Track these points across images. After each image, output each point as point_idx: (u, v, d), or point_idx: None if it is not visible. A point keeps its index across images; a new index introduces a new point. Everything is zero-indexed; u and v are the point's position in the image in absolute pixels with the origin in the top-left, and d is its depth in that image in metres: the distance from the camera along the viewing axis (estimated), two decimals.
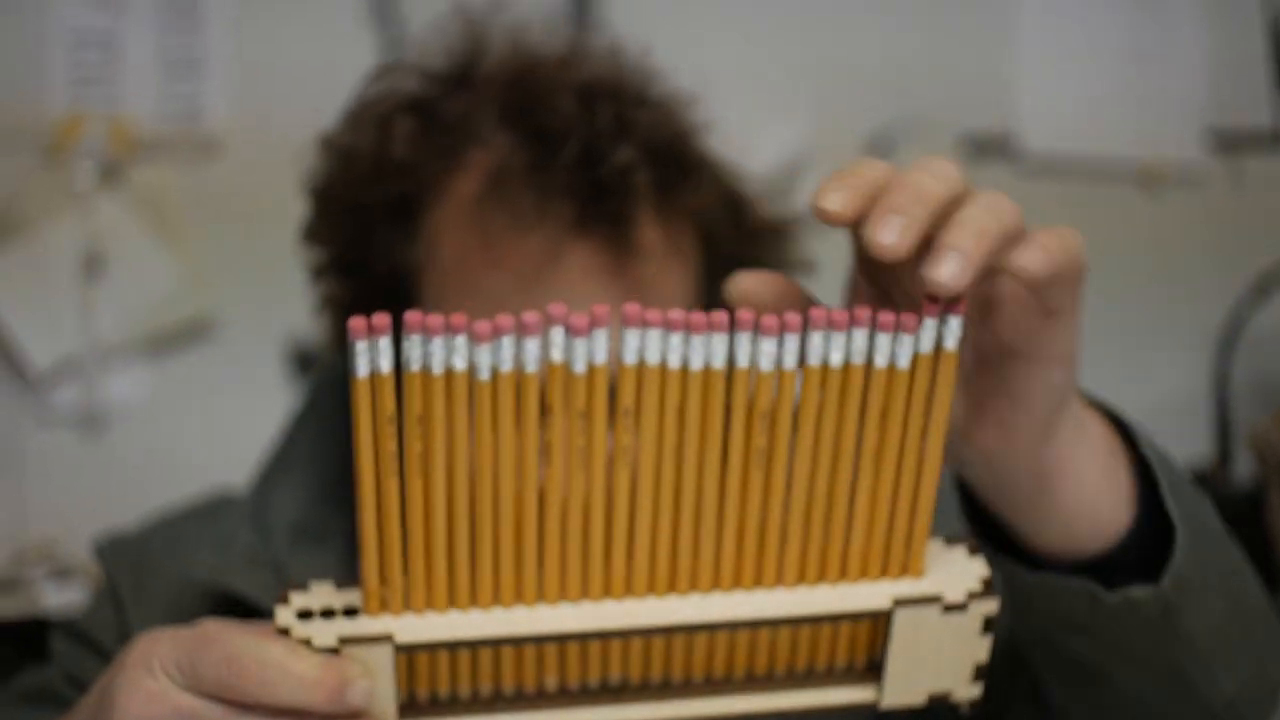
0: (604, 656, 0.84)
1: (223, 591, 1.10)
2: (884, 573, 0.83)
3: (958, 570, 0.84)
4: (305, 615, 0.79)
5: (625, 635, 0.81)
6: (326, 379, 1.35)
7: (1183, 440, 2.40)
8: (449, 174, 1.06)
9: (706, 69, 2.40)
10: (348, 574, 1.10)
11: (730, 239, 1.09)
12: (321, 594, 0.81)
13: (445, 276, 1.05)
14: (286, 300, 2.46)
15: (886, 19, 2.44)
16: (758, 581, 0.83)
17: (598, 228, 1.01)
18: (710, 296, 1.09)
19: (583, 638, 0.81)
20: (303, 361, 2.45)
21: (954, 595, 0.83)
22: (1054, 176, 2.48)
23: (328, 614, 0.80)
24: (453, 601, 0.81)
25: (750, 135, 2.29)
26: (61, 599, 2.27)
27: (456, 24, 1.16)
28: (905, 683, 0.84)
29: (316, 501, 1.19)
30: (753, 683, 0.85)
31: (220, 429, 2.47)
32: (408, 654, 0.81)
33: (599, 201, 1.01)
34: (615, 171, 1.00)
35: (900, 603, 0.82)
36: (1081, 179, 2.50)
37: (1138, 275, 2.52)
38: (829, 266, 1.19)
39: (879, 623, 0.84)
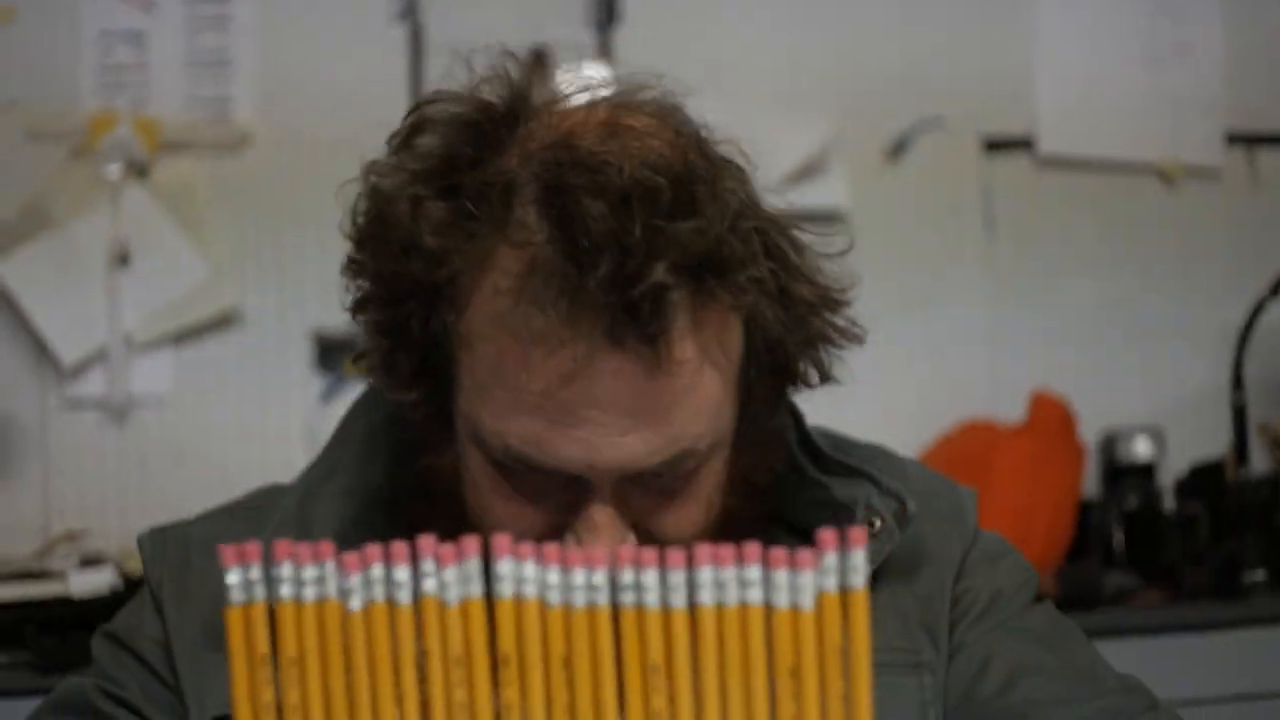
0: None
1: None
2: None
3: None
4: None
5: None
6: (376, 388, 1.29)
7: (1201, 434, 2.34)
8: (480, 271, 1.01)
9: (728, 69, 2.40)
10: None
11: (776, 321, 1.04)
12: None
13: (482, 371, 1.00)
14: (310, 293, 2.43)
15: (907, 20, 2.38)
16: None
17: (629, 343, 0.96)
18: (754, 375, 1.03)
19: None
20: (325, 353, 2.41)
21: None
22: (1072, 176, 2.43)
23: None
24: None
25: (771, 136, 2.23)
26: (88, 586, 2.26)
27: (491, 63, 1.08)
28: None
29: (360, 511, 1.14)
30: None
31: (244, 420, 2.44)
32: None
33: (631, 319, 0.96)
34: (649, 292, 0.95)
35: None
36: (1100, 179, 2.44)
37: (1157, 273, 2.47)
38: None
39: None
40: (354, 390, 1.22)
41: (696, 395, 0.99)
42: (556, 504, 0.96)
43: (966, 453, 2.25)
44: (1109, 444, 2.30)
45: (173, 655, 1.09)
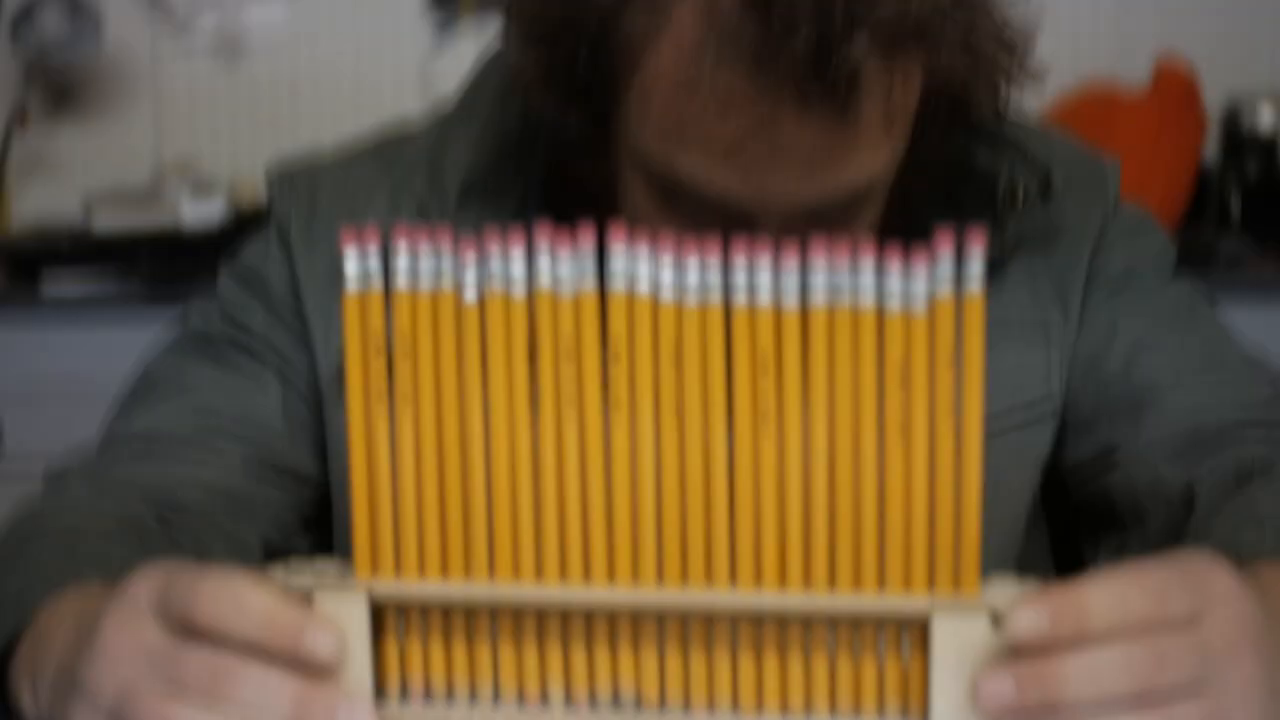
0: (613, 664, 0.74)
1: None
2: (930, 588, 0.71)
3: (1020, 591, 0.71)
4: (297, 574, 0.74)
5: (627, 612, 0.72)
6: None
7: None
8: (659, 25, 0.98)
9: None
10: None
11: (962, 69, 1.01)
12: (322, 564, 0.75)
13: (656, 114, 0.98)
14: None
15: None
16: (781, 583, 0.72)
17: (816, 106, 0.94)
18: (932, 116, 1.01)
19: (584, 611, 0.73)
20: None
21: (1006, 606, 0.69)
22: None
23: (320, 574, 0.75)
24: (445, 573, 0.74)
25: None
26: (199, 216, 2.28)
27: None
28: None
29: (493, 158, 1.14)
30: (785, 716, 0.73)
31: (357, 58, 2.42)
32: (399, 636, 0.75)
33: (822, 85, 0.93)
34: (844, 60, 0.93)
35: (939, 609, 0.71)
36: None
37: None
38: None
39: (926, 654, 0.71)
40: (467, 29, 1.20)
41: (877, 150, 0.97)
42: (719, 226, 0.95)
43: (1087, 115, 2.21)
44: (1232, 113, 2.25)
45: (300, 298, 1.10)
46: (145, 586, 0.75)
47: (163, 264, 2.17)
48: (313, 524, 1.11)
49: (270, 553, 1.05)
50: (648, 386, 0.71)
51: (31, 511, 0.99)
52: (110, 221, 2.22)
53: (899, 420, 0.70)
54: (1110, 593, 0.68)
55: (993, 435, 1.07)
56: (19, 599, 0.86)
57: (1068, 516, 1.15)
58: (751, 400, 0.71)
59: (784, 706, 0.73)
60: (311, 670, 0.72)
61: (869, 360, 0.70)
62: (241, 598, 0.72)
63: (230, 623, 0.71)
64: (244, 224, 2.08)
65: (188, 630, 0.72)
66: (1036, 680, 0.67)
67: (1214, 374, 1.07)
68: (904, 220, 1.01)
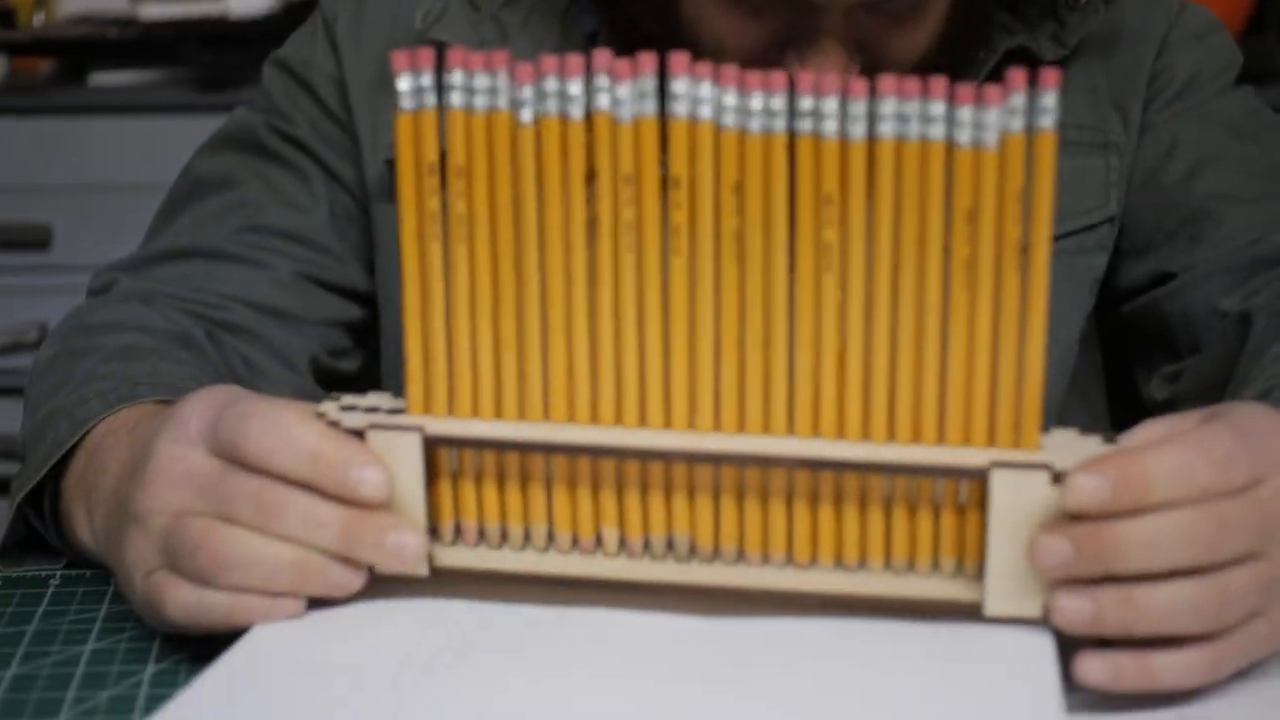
0: (668, 511, 0.73)
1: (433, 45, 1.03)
2: (989, 442, 0.70)
3: (1083, 448, 0.69)
4: (349, 409, 0.74)
5: (682, 458, 0.71)
6: None
7: None
8: None
9: None
10: (561, 40, 1.04)
11: None
12: (375, 399, 0.75)
13: None
14: None
15: None
16: (840, 433, 0.70)
17: None
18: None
19: (639, 456, 0.71)
20: None
21: (1066, 464, 0.68)
22: None
23: (371, 410, 0.74)
24: (499, 413, 0.73)
25: None
26: (247, 4, 2.25)
27: None
28: (1014, 582, 0.69)
29: None
30: (839, 567, 0.73)
31: None
32: (452, 475, 0.74)
33: None
34: None
35: (998, 465, 0.69)
36: None
37: None
38: None
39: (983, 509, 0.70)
40: None
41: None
42: (784, 22, 0.92)
43: None
44: None
45: (348, 94, 1.08)
46: (196, 415, 0.74)
47: (210, 54, 2.14)
48: (363, 341, 1.10)
49: (319, 370, 1.04)
50: (708, 219, 0.69)
51: (81, 325, 0.98)
52: (157, 10, 2.19)
53: (964, 261, 0.68)
54: (1175, 461, 0.66)
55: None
56: (72, 415, 0.86)
57: (1122, 339, 1.14)
58: (814, 235, 0.69)
59: (838, 558, 0.72)
60: (360, 506, 0.72)
61: (936, 197, 0.68)
62: (290, 433, 0.71)
63: (278, 459, 0.71)
64: (293, 13, 2.05)
65: (236, 462, 0.72)
66: (1094, 545, 0.66)
67: (1278, 191, 1.05)
68: (967, 21, 0.98)
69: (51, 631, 0.80)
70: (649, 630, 0.72)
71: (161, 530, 0.73)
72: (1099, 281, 1.08)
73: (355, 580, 0.72)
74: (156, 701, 0.71)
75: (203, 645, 0.75)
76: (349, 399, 0.74)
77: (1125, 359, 1.14)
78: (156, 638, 0.78)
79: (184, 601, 0.73)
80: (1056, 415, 1.05)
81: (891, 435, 0.70)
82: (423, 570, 0.73)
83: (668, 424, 0.72)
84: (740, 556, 0.73)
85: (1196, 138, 1.06)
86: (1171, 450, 0.67)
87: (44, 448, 0.86)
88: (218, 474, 0.72)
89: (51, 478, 0.86)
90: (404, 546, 0.71)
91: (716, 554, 0.73)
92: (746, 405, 0.71)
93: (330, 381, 1.05)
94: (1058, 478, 0.68)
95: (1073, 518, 0.67)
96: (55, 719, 0.71)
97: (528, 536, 0.74)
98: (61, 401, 0.88)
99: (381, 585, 0.73)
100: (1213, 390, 0.95)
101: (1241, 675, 0.70)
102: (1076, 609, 0.67)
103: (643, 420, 0.72)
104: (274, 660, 0.69)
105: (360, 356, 1.10)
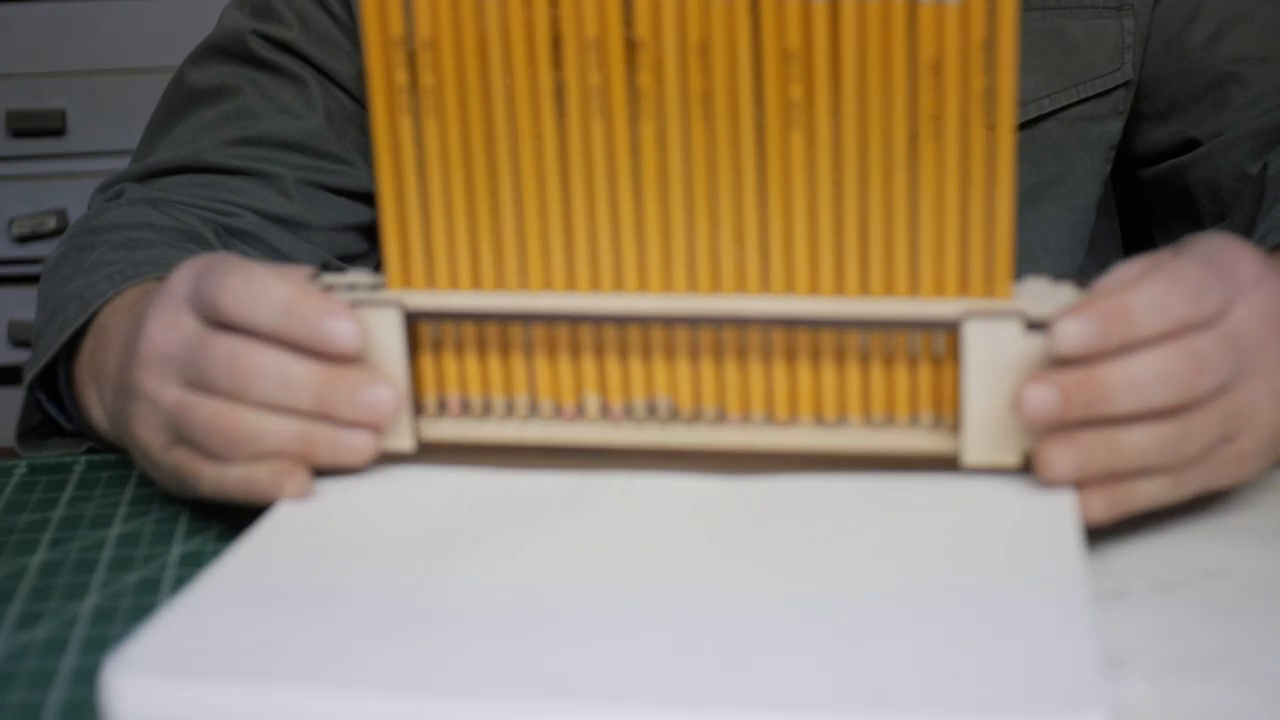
0: (647, 375, 0.74)
1: None
2: (962, 293, 0.70)
3: (1056, 296, 0.70)
4: (330, 288, 0.74)
5: (659, 321, 0.72)
6: None
7: None
8: None
9: None
10: None
11: None
12: (355, 276, 0.76)
13: None
14: None
15: None
16: (814, 289, 0.71)
17: None
18: None
19: (616, 320, 0.72)
20: None
21: (1040, 311, 0.69)
22: None
23: (351, 287, 0.74)
24: (477, 284, 0.74)
25: None
26: None
27: None
28: (991, 432, 0.70)
29: None
30: (819, 424, 0.73)
31: None
32: (434, 348, 0.75)
33: None
34: None
35: (971, 315, 0.70)
36: None
37: None
38: None
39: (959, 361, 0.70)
40: None
41: None
42: None
43: None
44: None
45: None
46: (182, 280, 0.75)
47: None
48: (377, 241, 1.10)
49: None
50: (674, 81, 0.70)
51: (89, 226, 0.98)
52: None
53: (930, 114, 0.69)
54: (1152, 297, 0.66)
55: (1061, 123, 1.04)
56: (81, 297, 0.87)
57: (1142, 204, 1.13)
58: (780, 93, 0.69)
59: (818, 414, 0.73)
60: (334, 359, 0.72)
61: (900, 53, 0.68)
62: (264, 287, 0.72)
63: (251, 311, 0.71)
64: None
65: (217, 322, 0.73)
66: (1082, 392, 0.66)
67: None
68: None
69: (77, 516, 0.82)
70: (673, 492, 0.72)
71: (167, 409, 0.74)
72: (1114, 148, 1.07)
73: (364, 446, 0.73)
74: (182, 583, 0.72)
75: (229, 526, 0.76)
76: (330, 277, 0.75)
77: (1145, 225, 1.13)
78: (182, 520, 0.80)
79: (207, 475, 0.74)
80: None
81: (865, 290, 0.71)
82: (406, 442, 0.75)
83: (643, 288, 0.72)
84: (721, 417, 0.74)
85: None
86: (1147, 286, 0.67)
87: (53, 331, 0.87)
88: (199, 338, 0.73)
89: (66, 362, 0.88)
90: (379, 400, 0.72)
91: (697, 416, 0.74)
92: (721, 266, 0.72)
93: None
94: (1032, 325, 0.68)
95: (1057, 364, 0.67)
96: (82, 603, 0.72)
97: (510, 407, 0.75)
98: (71, 288, 0.89)
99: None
100: None
101: (1258, 530, 0.71)
102: (1064, 459, 0.67)
103: (619, 285, 0.73)
104: (296, 539, 0.69)
105: (375, 257, 1.09)
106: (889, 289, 0.71)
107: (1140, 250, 1.13)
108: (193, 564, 0.75)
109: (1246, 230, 0.95)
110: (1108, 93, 1.04)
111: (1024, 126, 1.03)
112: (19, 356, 1.95)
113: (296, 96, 1.06)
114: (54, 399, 0.90)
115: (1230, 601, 0.66)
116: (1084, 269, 1.07)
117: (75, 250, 0.95)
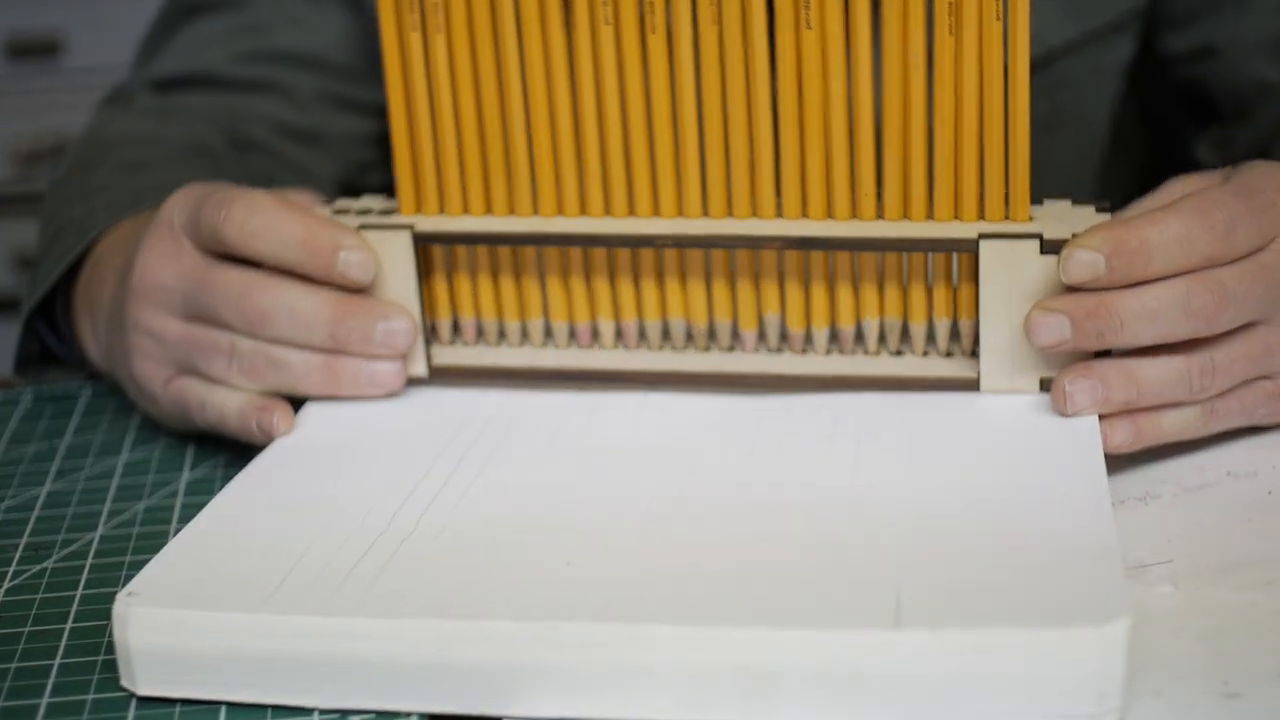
0: (661, 298, 0.73)
1: None
2: (979, 216, 0.69)
3: (1074, 219, 0.69)
4: (342, 213, 0.74)
5: (669, 244, 0.71)
6: None
7: None
8: None
9: None
10: None
11: None
12: (368, 201, 0.75)
13: None
14: None
15: None
16: (828, 216, 0.70)
17: None
18: None
19: (628, 243, 0.71)
20: None
21: (1056, 233, 0.68)
22: None
23: (364, 212, 0.74)
24: (489, 209, 0.73)
25: None
26: None
27: None
28: (1009, 356, 0.69)
29: None
30: (837, 347, 0.73)
31: None
32: (446, 272, 0.75)
33: None
34: None
35: (987, 236, 0.68)
36: None
37: None
38: None
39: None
40: None
41: None
42: None
43: None
44: None
45: None
46: (178, 209, 0.74)
47: None
48: (388, 153, 1.09)
49: (348, 188, 1.03)
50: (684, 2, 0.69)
51: (95, 139, 0.97)
52: None
53: (947, 6, 0.67)
54: (1174, 230, 0.65)
55: (1071, 52, 1.03)
56: (80, 226, 0.86)
57: (1166, 109, 1.12)
58: (794, 13, 0.68)
59: (834, 335, 0.73)
60: (347, 288, 0.72)
61: None
62: (273, 217, 0.71)
63: (261, 242, 0.70)
64: None
65: (219, 250, 0.72)
66: (1093, 320, 0.65)
67: None
68: None
69: (84, 445, 0.81)
70: (689, 409, 0.72)
71: (174, 343, 0.74)
72: (1127, 67, 1.05)
73: (389, 374, 0.73)
74: (192, 510, 0.71)
75: (237, 453, 0.76)
76: (342, 202, 0.74)
77: (1173, 135, 1.12)
78: (190, 447, 0.80)
79: (212, 402, 0.73)
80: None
81: (880, 214, 0.70)
82: (419, 367, 0.74)
83: (656, 212, 0.72)
84: (736, 339, 0.74)
85: None
86: (1171, 218, 0.65)
87: (51, 262, 0.87)
88: (202, 272, 0.72)
89: (64, 290, 0.87)
90: (394, 333, 0.72)
91: (712, 339, 0.74)
92: (734, 189, 0.71)
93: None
94: (1048, 247, 0.67)
95: (1069, 289, 0.67)
96: (93, 533, 0.72)
97: (525, 332, 0.75)
98: (72, 214, 0.88)
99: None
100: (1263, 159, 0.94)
101: None
102: (1082, 392, 0.66)
103: (631, 210, 0.72)
104: (304, 463, 0.69)
105: (387, 169, 1.08)
106: (905, 213, 0.70)
107: (1177, 166, 1.12)
108: (202, 491, 0.75)
109: (1272, 138, 0.94)
110: (1120, 27, 1.03)
111: (1036, 68, 1.02)
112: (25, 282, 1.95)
113: (308, 7, 1.05)
114: (52, 326, 0.89)
115: (1256, 504, 0.66)
116: (1109, 193, 1.06)
117: (80, 168, 0.93)
